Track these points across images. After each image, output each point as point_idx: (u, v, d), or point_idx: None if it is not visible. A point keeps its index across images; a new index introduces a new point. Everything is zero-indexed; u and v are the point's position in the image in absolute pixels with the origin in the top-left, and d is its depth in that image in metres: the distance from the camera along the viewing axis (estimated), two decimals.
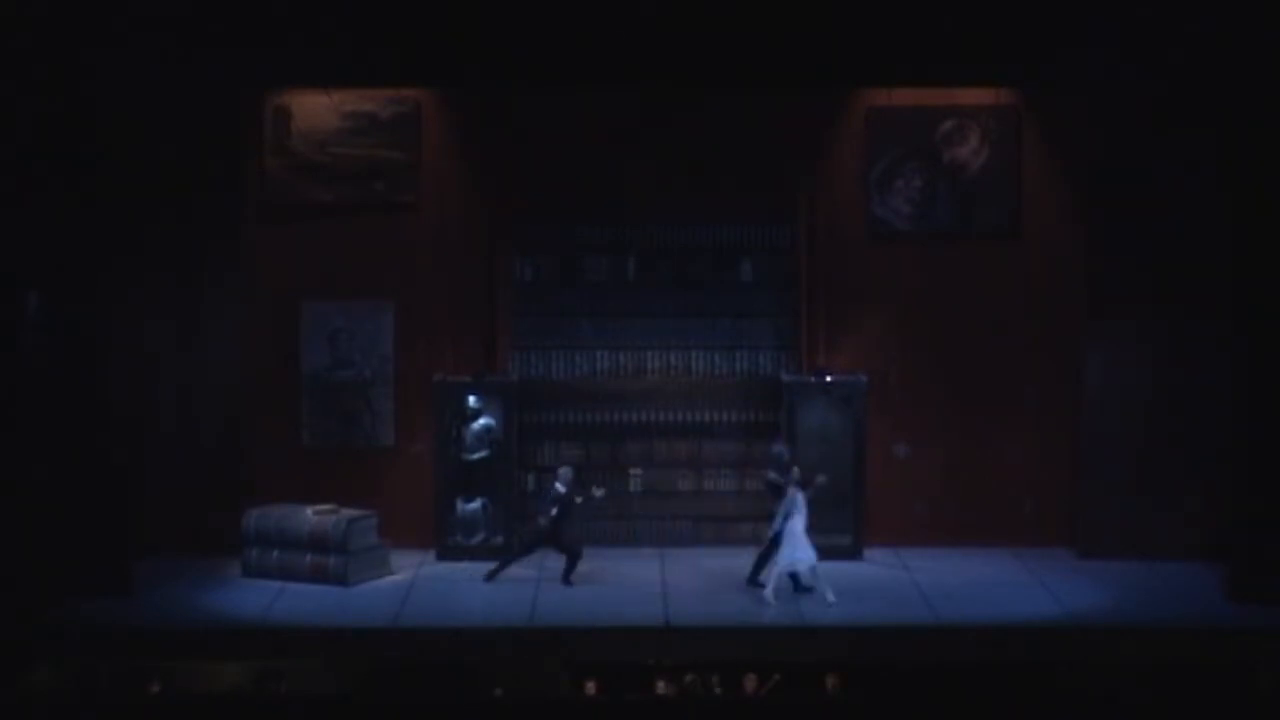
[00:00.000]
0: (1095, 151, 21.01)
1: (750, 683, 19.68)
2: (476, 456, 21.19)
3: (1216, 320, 20.45)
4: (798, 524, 19.64)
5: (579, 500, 20.53)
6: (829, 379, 21.40)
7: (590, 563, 20.91)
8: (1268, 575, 19.49)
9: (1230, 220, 20.07)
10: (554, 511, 20.45)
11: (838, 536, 20.94)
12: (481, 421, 21.22)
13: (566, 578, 20.30)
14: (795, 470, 20.00)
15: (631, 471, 21.99)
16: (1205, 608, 19.52)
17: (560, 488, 20.49)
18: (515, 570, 20.70)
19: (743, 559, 20.60)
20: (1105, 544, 21.04)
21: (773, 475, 20.28)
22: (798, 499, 19.71)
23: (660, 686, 19.61)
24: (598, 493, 20.68)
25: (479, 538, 21.26)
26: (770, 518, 19.97)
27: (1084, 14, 19.58)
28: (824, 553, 19.91)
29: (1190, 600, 19.75)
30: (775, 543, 19.77)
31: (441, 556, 21.18)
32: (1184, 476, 20.96)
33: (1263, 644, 18.83)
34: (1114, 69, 19.96)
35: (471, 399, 21.20)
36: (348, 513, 20.57)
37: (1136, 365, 21.02)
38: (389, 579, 20.53)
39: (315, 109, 21.64)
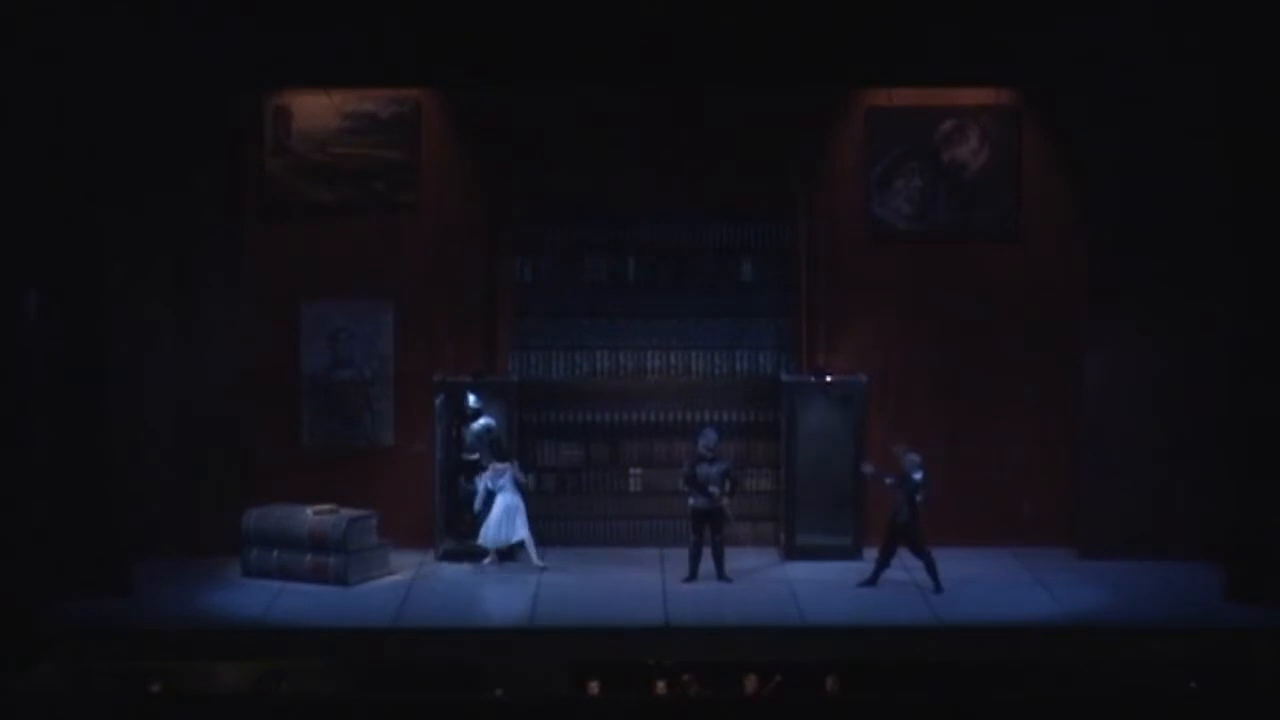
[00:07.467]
0: (1095, 152, 21.01)
1: (750, 683, 19.64)
2: (476, 456, 21.17)
3: (1216, 320, 20.45)
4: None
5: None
6: (829, 379, 21.39)
7: (590, 563, 20.90)
8: (1268, 575, 19.50)
9: (1230, 220, 20.07)
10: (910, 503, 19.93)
11: (838, 536, 20.94)
12: (481, 421, 21.20)
13: (938, 584, 19.89)
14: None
15: (631, 471, 21.98)
16: (1205, 608, 19.52)
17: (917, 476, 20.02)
18: (514, 571, 20.73)
19: (743, 559, 20.60)
20: (1105, 544, 21.04)
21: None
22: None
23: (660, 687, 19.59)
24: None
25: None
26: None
27: (1083, 13, 19.58)
28: (825, 553, 19.90)
29: (1190, 600, 19.75)
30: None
31: (441, 556, 21.18)
32: (1184, 476, 20.96)
33: (1263, 644, 18.82)
34: (1114, 69, 19.97)
35: (471, 399, 21.19)
36: (348, 513, 20.56)
37: (1136, 365, 21.00)
38: (389, 579, 20.52)
39: (315, 109, 21.62)
